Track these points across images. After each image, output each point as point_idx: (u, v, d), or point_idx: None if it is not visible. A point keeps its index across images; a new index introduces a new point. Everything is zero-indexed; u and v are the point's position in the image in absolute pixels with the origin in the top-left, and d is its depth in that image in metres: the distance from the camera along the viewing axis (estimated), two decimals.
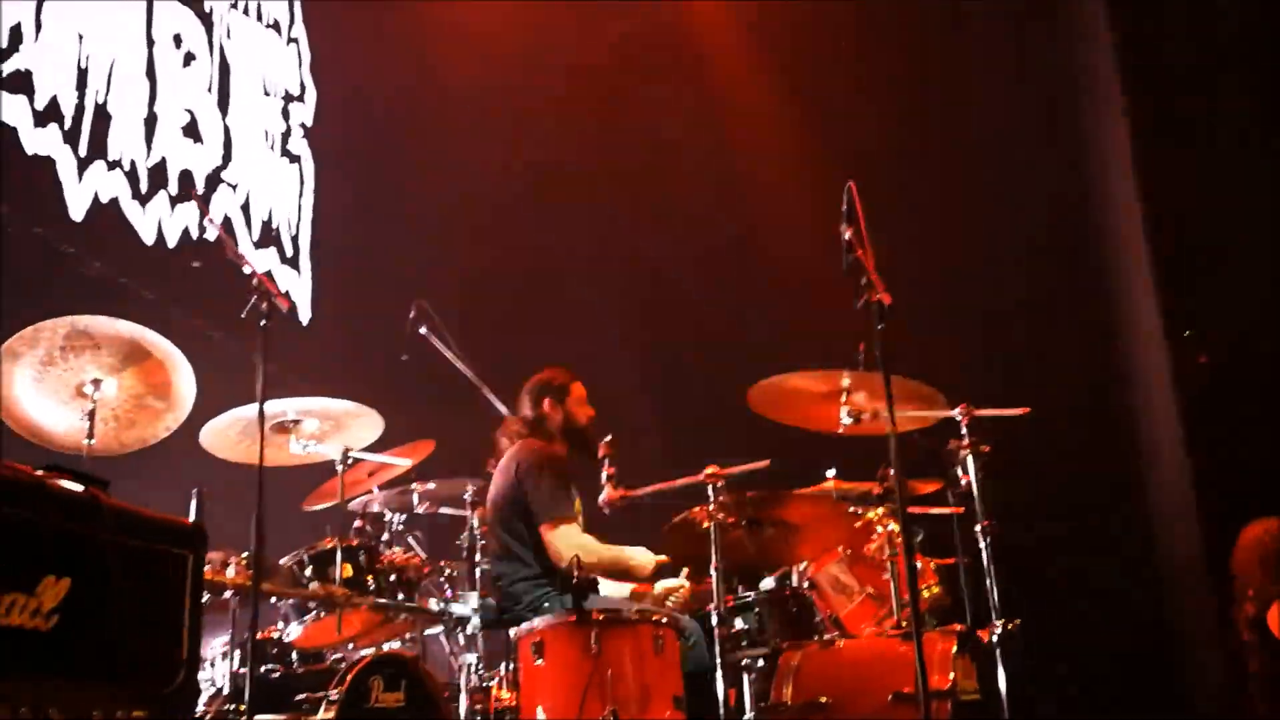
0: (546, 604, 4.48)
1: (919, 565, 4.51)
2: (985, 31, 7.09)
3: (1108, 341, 6.99)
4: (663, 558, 4.69)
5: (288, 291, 6.38)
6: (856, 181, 3.99)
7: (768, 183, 6.81)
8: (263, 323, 4.01)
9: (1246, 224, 7.01)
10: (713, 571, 4.06)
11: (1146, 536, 6.68)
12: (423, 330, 5.36)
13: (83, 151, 5.41)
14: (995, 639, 4.00)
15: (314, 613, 4.39)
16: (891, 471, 3.92)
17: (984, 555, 4.10)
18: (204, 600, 4.03)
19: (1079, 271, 7.00)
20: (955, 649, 4.04)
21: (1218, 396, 6.73)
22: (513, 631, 4.12)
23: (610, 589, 4.82)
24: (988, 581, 4.09)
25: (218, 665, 4.14)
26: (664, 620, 4.03)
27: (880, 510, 4.56)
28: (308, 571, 4.45)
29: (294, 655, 4.43)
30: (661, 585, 4.75)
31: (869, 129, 6.83)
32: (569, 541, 4.54)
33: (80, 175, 5.39)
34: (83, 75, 5.46)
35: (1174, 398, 6.71)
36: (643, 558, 4.69)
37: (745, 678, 4.41)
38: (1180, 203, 6.91)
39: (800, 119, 6.98)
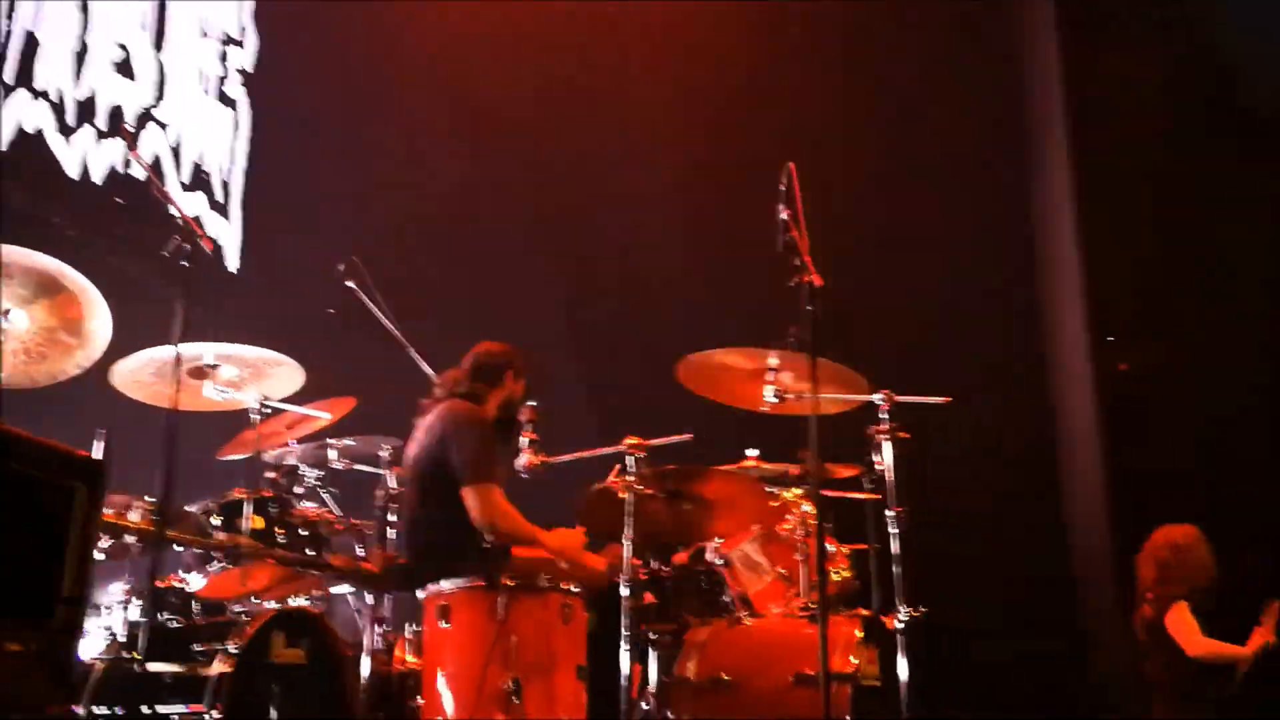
0: (456, 568, 4.43)
1: (831, 549, 4.52)
2: (930, 20, 7.10)
3: (1034, 340, 7.08)
4: (580, 538, 4.66)
5: (215, 237, 6.25)
6: (795, 163, 3.99)
7: (708, 161, 6.78)
8: (184, 264, 3.93)
9: (1175, 235, 7.13)
10: (625, 542, 4.05)
11: (1059, 533, 6.78)
12: (350, 284, 5.28)
13: (8, 79, 5.24)
14: (900, 626, 4.03)
15: (219, 564, 4.32)
16: (809, 453, 3.95)
17: (894, 542, 4.13)
18: (102, 542, 3.98)
19: (1011, 268, 7.08)
20: (860, 634, 4.07)
21: (1136, 402, 6.85)
22: (420, 594, 4.08)
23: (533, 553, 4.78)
24: (896, 568, 4.12)
25: (115, 612, 4.05)
26: (574, 589, 4.01)
27: (797, 491, 4.58)
28: (216, 521, 4.37)
29: (196, 606, 4.35)
30: (578, 557, 4.72)
31: (808, 111, 6.83)
32: (489, 506, 4.49)
33: (2, 103, 5.23)
34: (11, 1, 5.29)
35: (1093, 400, 6.82)
36: (561, 539, 4.65)
37: (652, 651, 4.42)
38: (1112, 210, 7.00)
39: (742, 99, 6.96)
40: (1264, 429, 6.84)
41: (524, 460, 4.38)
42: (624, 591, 4.04)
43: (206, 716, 3.70)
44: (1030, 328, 7.06)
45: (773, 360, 4.38)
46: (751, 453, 4.87)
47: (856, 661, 4.01)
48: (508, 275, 6.84)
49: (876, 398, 4.27)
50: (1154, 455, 6.67)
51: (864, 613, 4.26)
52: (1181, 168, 7.04)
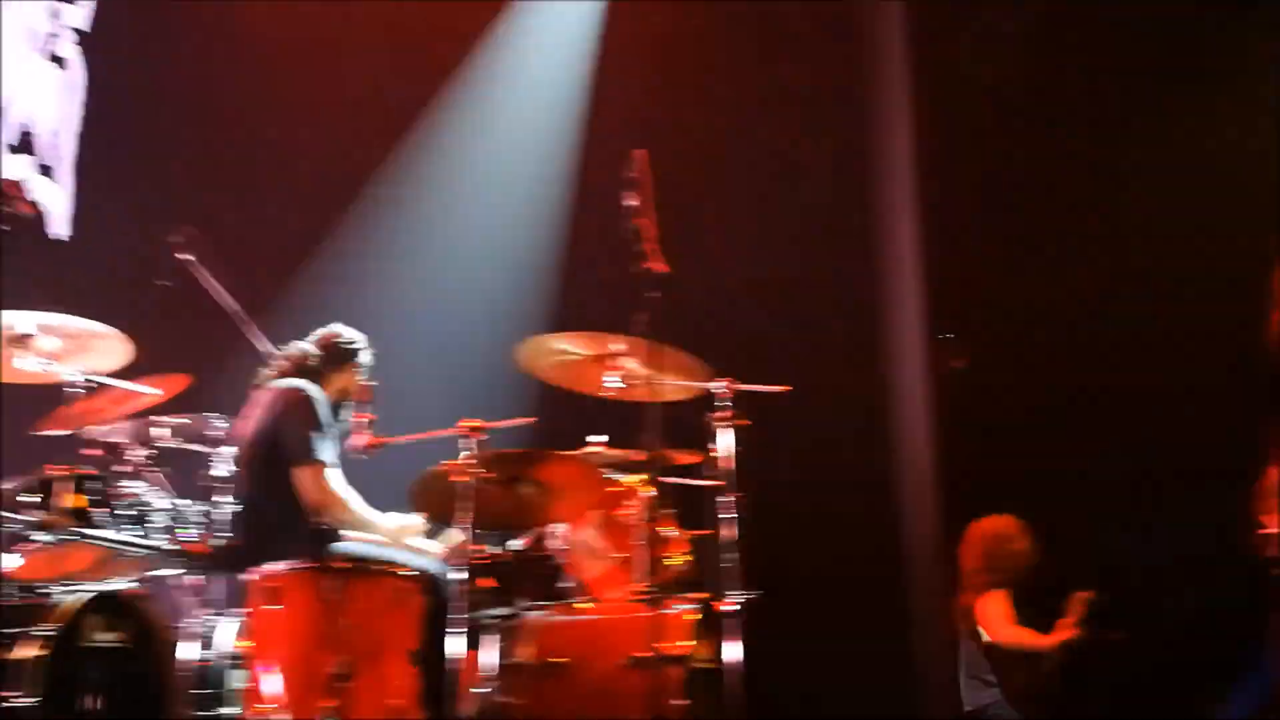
0: (287, 549, 4.32)
1: (670, 534, 4.57)
2: (774, 11, 7.18)
3: (872, 333, 7.26)
4: (417, 525, 4.61)
5: (39, 201, 5.95)
6: (638, 150, 4.03)
7: (559, 144, 6.74)
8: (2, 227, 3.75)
9: (1015, 239, 7.40)
10: (460, 525, 4.02)
11: (893, 523, 6.98)
12: (185, 256, 5.09)
13: None
14: (733, 610, 4.10)
15: (37, 543, 4.14)
16: (650, 439, 3.99)
17: (731, 528, 4.20)
18: None
19: (853, 263, 7.24)
20: (694, 618, 4.13)
21: (966, 398, 7.09)
22: (249, 576, 3.97)
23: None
24: (732, 554, 4.19)
25: None
26: (408, 572, 3.96)
27: (638, 478, 4.61)
28: (34, 499, 4.18)
29: (10, 587, 4.15)
30: (414, 542, 4.67)
31: (654, 97, 6.84)
32: (324, 487, 4.41)
33: None
34: None
35: (926, 395, 7.04)
36: (396, 525, 4.60)
37: (488, 637, 4.40)
38: (953, 207, 7.22)
39: (592, 86, 6.93)
40: (1088, 428, 7.17)
41: (359, 441, 4.30)
42: (459, 576, 4.00)
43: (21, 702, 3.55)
44: (869, 321, 7.24)
45: (616, 346, 4.39)
46: (595, 438, 4.89)
47: (690, 644, 4.06)
48: (356, 252, 6.70)
49: (717, 385, 4.33)
50: (982, 449, 6.92)
51: (699, 597, 4.31)
52: (1021, 168, 7.30)
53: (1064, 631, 5.80)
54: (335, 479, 4.47)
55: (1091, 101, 7.10)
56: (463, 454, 4.12)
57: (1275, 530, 4.07)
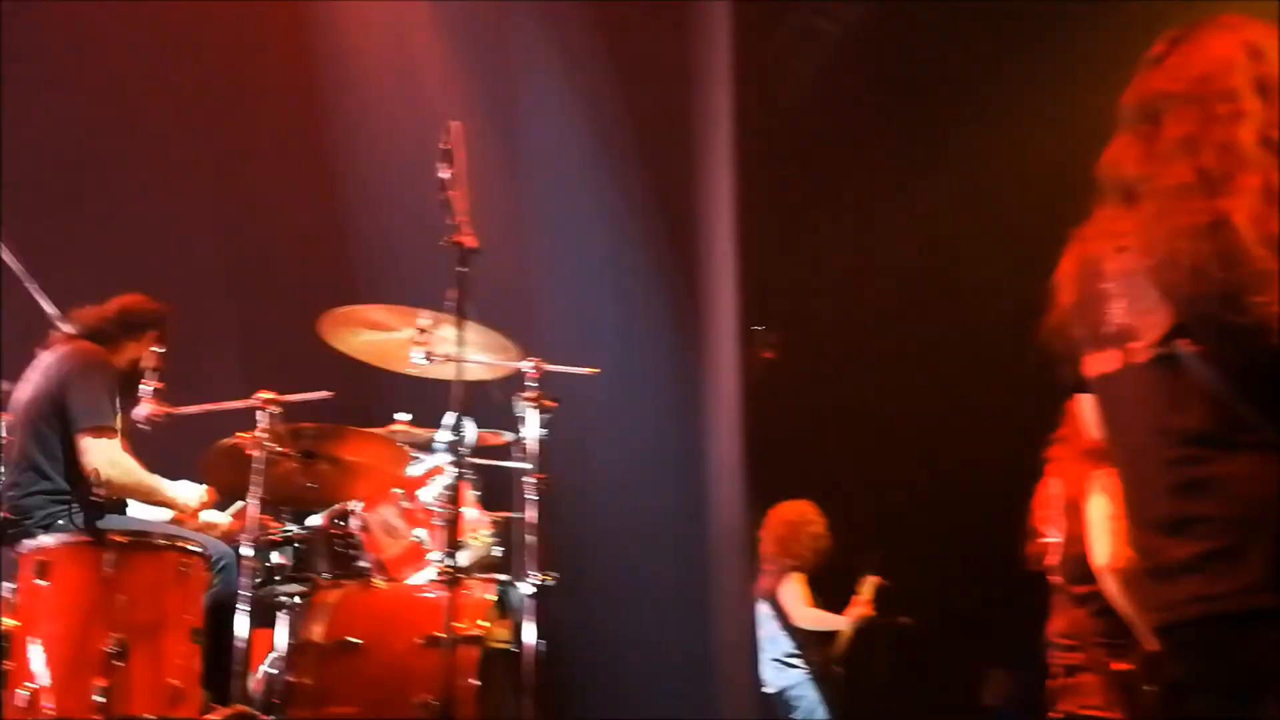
0: (61, 521, 4.09)
1: (473, 515, 4.51)
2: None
3: (688, 322, 7.33)
4: (207, 496, 4.43)
5: None
6: (455, 122, 3.94)
7: (367, 119, 6.56)
8: None
9: (830, 234, 7.59)
10: (252, 500, 3.87)
11: (698, 508, 7.08)
12: None
13: None
14: (533, 593, 4.08)
15: None
16: (454, 418, 3.92)
17: (534, 510, 4.17)
18: None
19: (670, 248, 7.29)
20: (492, 599, 4.09)
21: (776, 388, 7.25)
22: (18, 549, 3.74)
23: (151, 514, 4.50)
24: (534, 536, 4.17)
25: None
26: (192, 547, 3.80)
27: (443, 457, 4.53)
28: None
29: None
30: (205, 518, 4.49)
31: (469, 75, 6.74)
32: (106, 456, 4.17)
33: None
34: None
35: (737, 384, 7.16)
36: (185, 494, 4.40)
37: (280, 615, 4.26)
38: (771, 200, 7.36)
39: (399, 58, 6.76)
40: (889, 422, 7.43)
41: (146, 410, 4.10)
42: (248, 552, 3.86)
43: None
44: (683, 309, 7.31)
45: (422, 320, 4.30)
46: (402, 417, 4.78)
47: (486, 625, 4.02)
48: (153, 217, 6.38)
49: (525, 365, 4.30)
50: (787, 438, 7.09)
51: (498, 579, 4.27)
52: (840, 165, 7.49)
53: (857, 611, 6.01)
54: (119, 448, 4.26)
55: (908, 100, 7.33)
56: (258, 426, 3.97)
57: (1051, 540, 4.25)
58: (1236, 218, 2.02)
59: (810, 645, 5.94)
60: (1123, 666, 3.75)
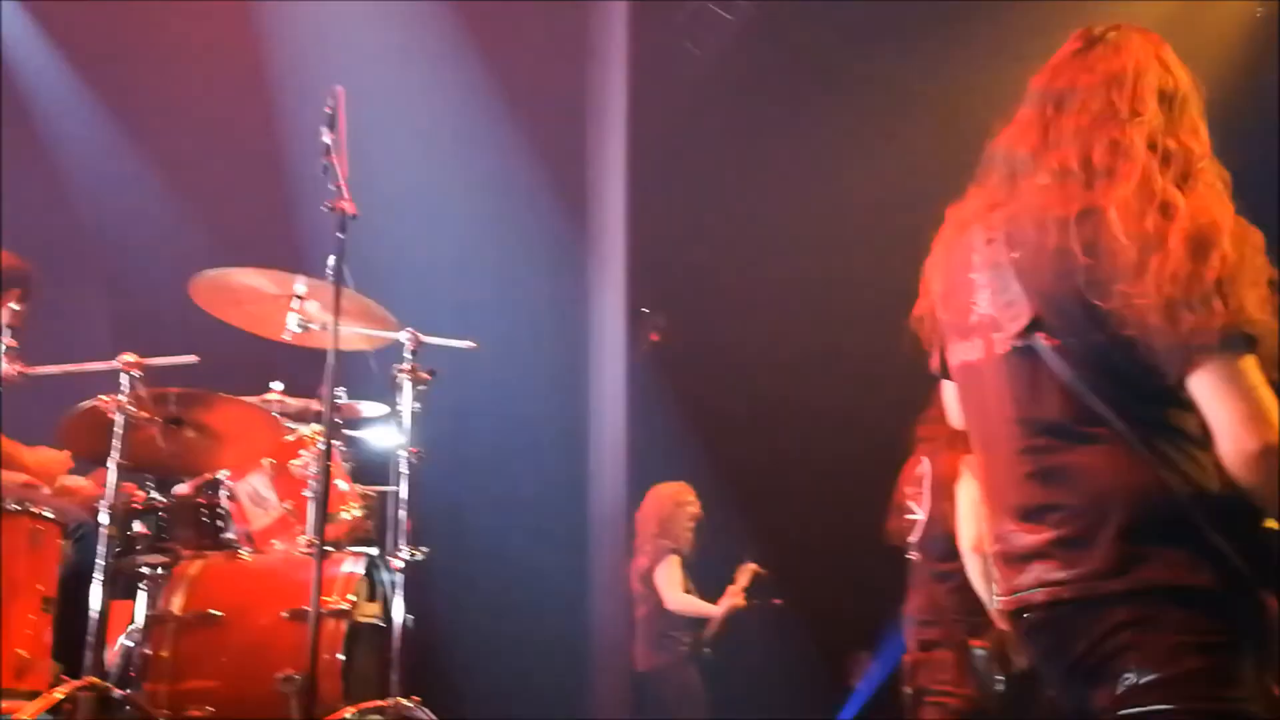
0: None
1: (345, 488, 4.43)
2: None
3: (576, 301, 7.31)
4: (65, 462, 4.27)
5: None
6: (338, 86, 3.85)
7: (259, 76, 6.36)
8: None
9: (718, 220, 7.63)
10: (112, 466, 3.74)
11: (580, 486, 7.08)
12: None
13: None
14: (403, 567, 4.03)
15: None
16: (327, 387, 3.83)
17: (405, 482, 4.11)
18: None
19: (560, 225, 7.26)
20: (360, 572, 4.02)
21: (661, 370, 7.29)
22: None
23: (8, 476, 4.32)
24: (405, 509, 4.11)
25: None
26: (46, 513, 3.66)
27: (315, 428, 4.44)
28: None
29: None
30: (64, 483, 4.33)
31: (360, 41, 6.59)
32: None
33: None
34: None
35: (623, 365, 7.17)
36: (42, 459, 4.24)
37: (140, 586, 4.14)
38: (661, 186, 7.37)
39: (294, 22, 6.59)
40: (770, 409, 7.51)
41: (2, 369, 3.93)
42: (106, 520, 3.73)
43: None
44: (572, 288, 7.29)
45: (299, 287, 4.20)
46: (276, 385, 4.67)
47: (354, 599, 3.95)
48: (19, 172, 6.12)
49: (402, 335, 4.23)
50: (672, 420, 7.13)
51: (369, 553, 4.20)
52: (732, 152, 7.53)
53: (732, 599, 6.07)
54: None
55: (798, 91, 7.40)
56: (121, 390, 3.83)
57: (915, 517, 4.34)
58: (1108, 209, 2.08)
59: (682, 626, 5.98)
60: (978, 644, 3.85)
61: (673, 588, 5.94)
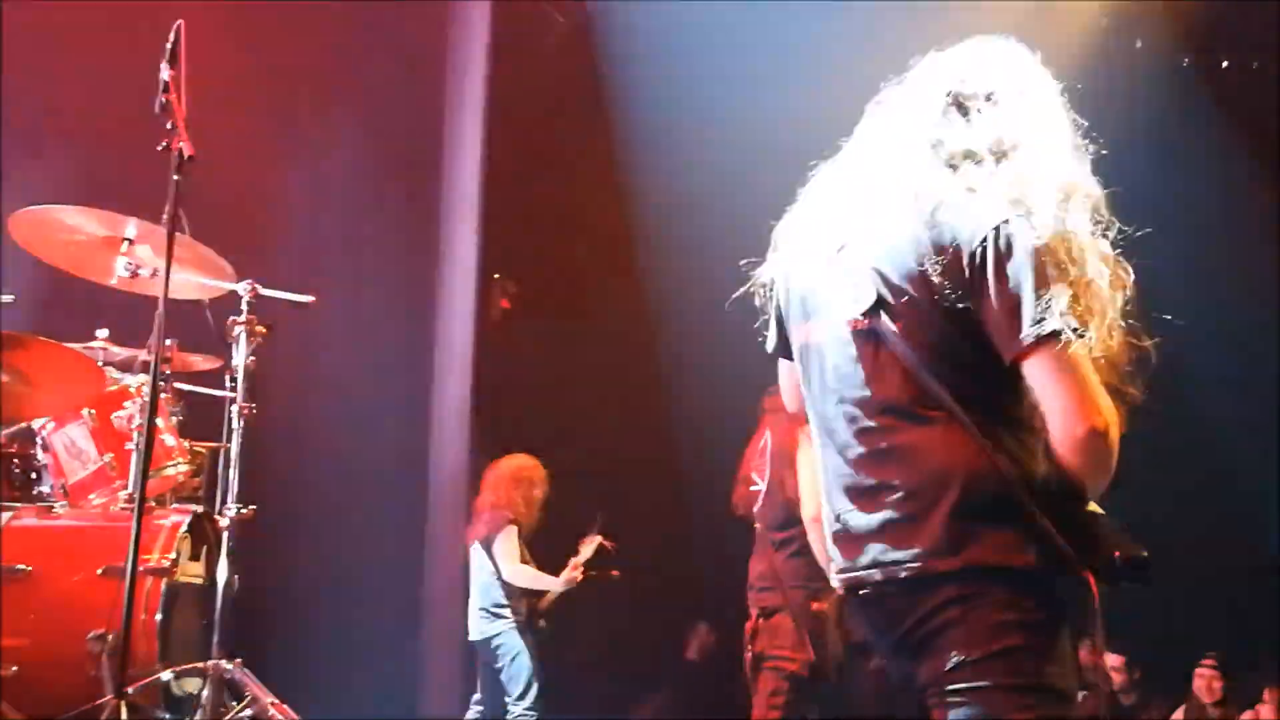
0: None
1: (171, 443, 4.24)
2: None
3: (425, 262, 7.18)
4: None
5: None
6: (179, 20, 3.65)
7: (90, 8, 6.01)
8: None
9: (571, 191, 7.59)
10: None
11: (420, 452, 6.97)
12: None
13: None
14: (228, 525, 3.89)
15: None
16: (157, 337, 3.65)
17: (237, 438, 3.97)
18: None
19: (413, 183, 7.11)
20: (183, 530, 3.86)
21: (509, 336, 7.23)
22: None
23: None
24: (235, 467, 3.97)
25: None
26: None
27: (142, 378, 4.23)
28: None
29: None
30: None
31: None
32: None
33: None
34: None
35: (471, 330, 7.08)
36: None
37: None
38: (515, 152, 7.29)
39: None
40: (619, 379, 7.53)
41: None
42: None
43: None
44: (422, 249, 7.15)
45: (130, 229, 3.99)
46: (102, 333, 4.44)
47: (175, 557, 3.80)
48: None
49: (239, 286, 4.06)
50: (518, 389, 7.08)
51: (193, 510, 4.03)
52: (584, 124, 7.49)
53: (571, 572, 6.06)
54: None
55: (648, 65, 7.40)
56: None
57: (756, 487, 4.40)
58: (956, 197, 2.12)
59: (517, 596, 5.95)
60: (820, 607, 3.93)
61: (510, 558, 5.89)
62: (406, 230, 6.97)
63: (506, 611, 5.91)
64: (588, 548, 6.22)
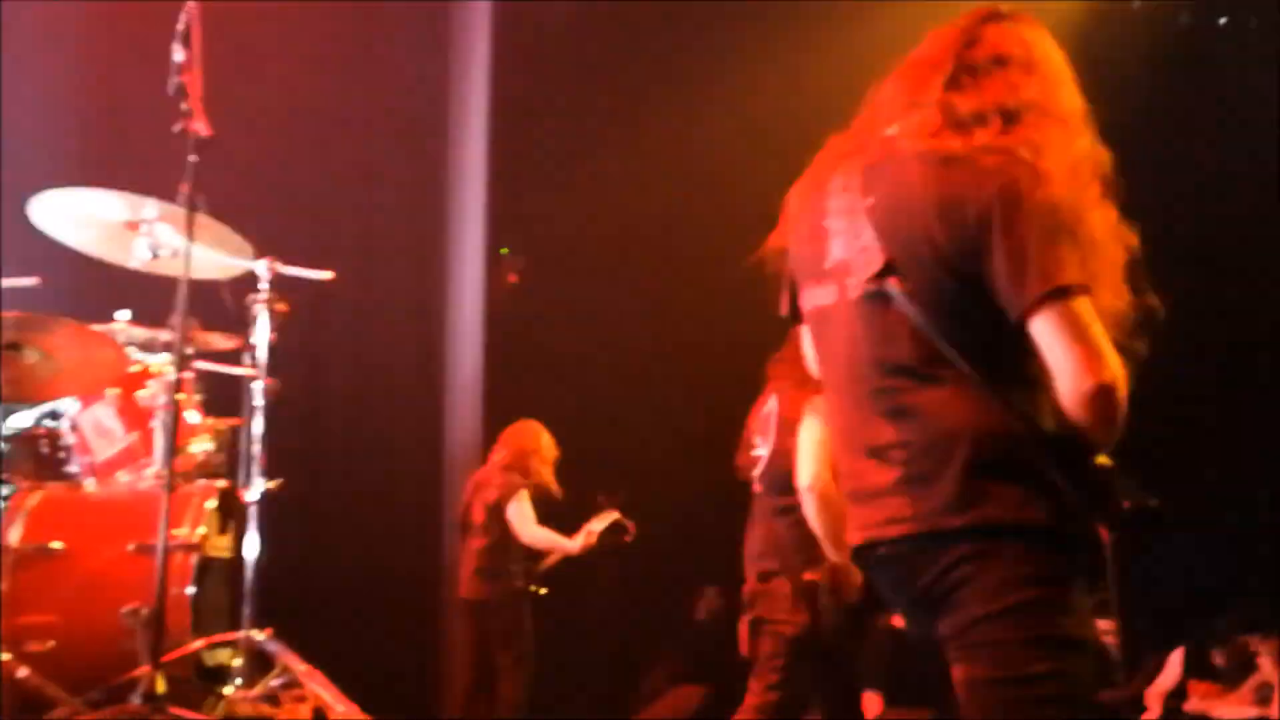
0: None
1: (196, 420, 4.32)
2: None
3: (435, 237, 7.24)
4: None
5: None
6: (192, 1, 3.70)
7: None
8: None
9: (578, 165, 7.61)
10: None
11: (435, 424, 7.04)
12: None
13: None
14: (255, 500, 3.96)
15: None
16: (178, 316, 3.72)
17: (260, 415, 4.03)
18: None
19: (421, 159, 7.15)
20: (212, 506, 3.94)
21: (517, 310, 7.29)
22: None
23: None
24: (259, 443, 4.04)
25: None
26: None
27: (164, 358, 4.30)
28: None
29: None
30: None
31: None
32: None
33: None
34: None
35: (481, 304, 7.14)
36: None
37: None
38: (523, 126, 7.32)
39: None
40: (627, 346, 7.59)
41: None
42: None
43: None
44: (432, 224, 7.20)
45: (149, 210, 4.04)
46: (122, 314, 4.50)
47: (205, 532, 3.88)
48: None
49: (259, 265, 4.12)
50: (528, 361, 7.15)
51: (220, 485, 4.11)
52: (594, 94, 7.51)
53: (584, 538, 6.15)
54: None
55: (655, 46, 7.42)
56: None
57: (759, 453, 4.44)
58: (966, 159, 2.17)
59: (520, 559, 6.05)
60: (813, 576, 3.99)
61: (527, 522, 5.98)
62: (415, 205, 7.03)
63: (507, 576, 6.00)
64: (602, 519, 6.30)
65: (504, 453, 6.13)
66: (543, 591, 6.18)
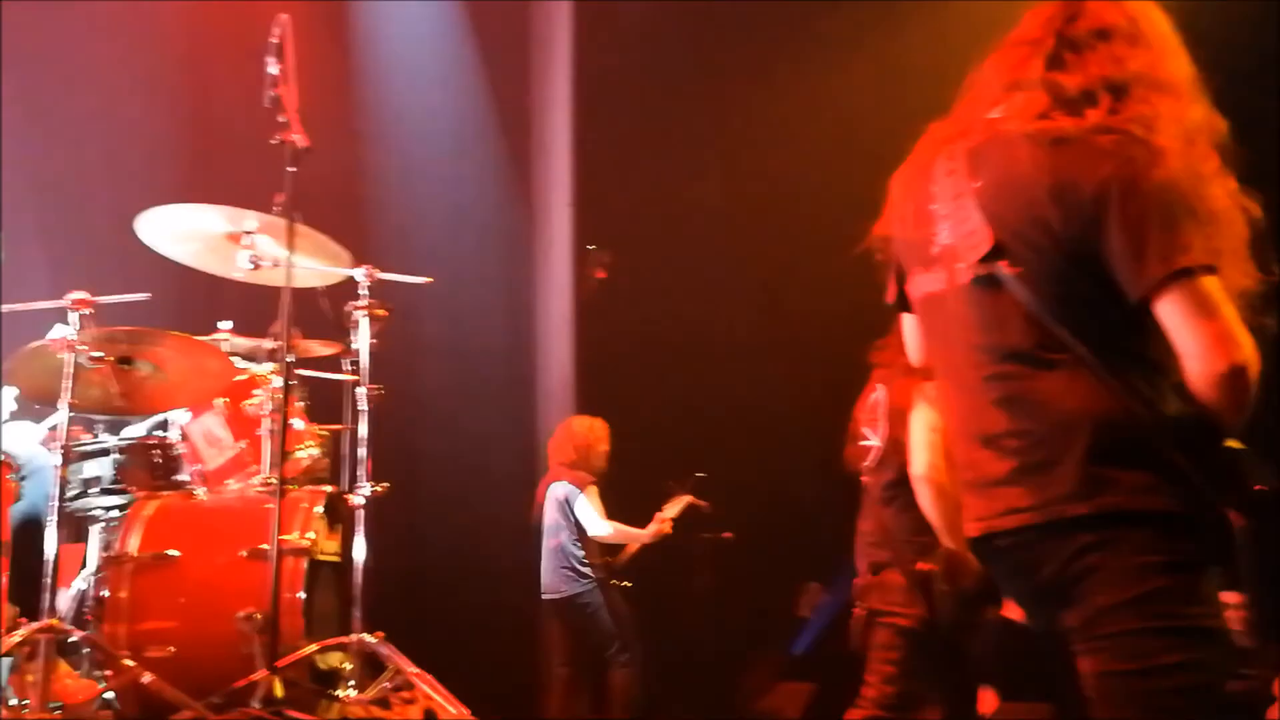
0: None
1: (300, 426, 4.39)
2: None
3: (523, 237, 7.28)
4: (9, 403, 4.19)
5: None
6: (283, 14, 3.76)
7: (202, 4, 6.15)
8: None
9: (662, 162, 7.60)
10: (61, 406, 3.67)
11: (529, 423, 7.09)
12: None
13: None
14: (359, 504, 4.02)
15: None
16: (282, 325, 3.79)
17: (363, 420, 4.09)
18: None
19: (507, 160, 7.19)
20: (319, 509, 4.01)
21: (605, 306, 7.30)
22: None
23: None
24: (363, 447, 4.09)
25: None
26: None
27: (268, 366, 4.39)
28: None
29: None
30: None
31: None
32: None
33: None
34: None
35: (570, 301, 7.16)
36: None
37: (95, 528, 4.10)
38: (607, 123, 7.32)
39: None
40: (714, 345, 7.56)
41: None
42: (57, 461, 3.66)
43: None
44: (520, 224, 7.25)
45: (250, 223, 4.12)
46: (224, 325, 4.60)
47: (314, 537, 3.94)
48: None
49: (357, 273, 4.18)
50: (618, 358, 7.15)
51: (326, 490, 4.18)
52: (678, 90, 7.49)
53: (659, 525, 6.18)
54: None
55: (741, 37, 7.36)
56: (69, 329, 3.75)
57: (869, 443, 4.39)
58: (1078, 139, 2.10)
59: (596, 554, 6.07)
60: (926, 566, 3.92)
61: (595, 517, 6.02)
62: (501, 205, 7.08)
63: (588, 570, 6.02)
64: (675, 505, 6.31)
65: (567, 448, 6.16)
66: (626, 584, 6.20)
